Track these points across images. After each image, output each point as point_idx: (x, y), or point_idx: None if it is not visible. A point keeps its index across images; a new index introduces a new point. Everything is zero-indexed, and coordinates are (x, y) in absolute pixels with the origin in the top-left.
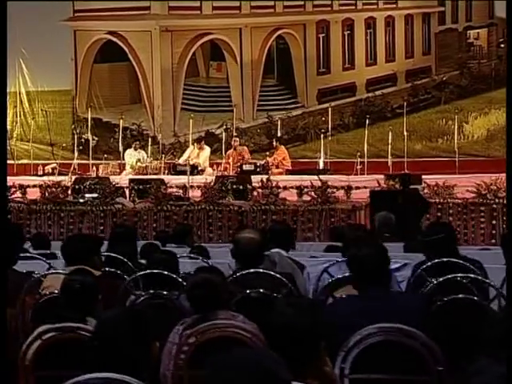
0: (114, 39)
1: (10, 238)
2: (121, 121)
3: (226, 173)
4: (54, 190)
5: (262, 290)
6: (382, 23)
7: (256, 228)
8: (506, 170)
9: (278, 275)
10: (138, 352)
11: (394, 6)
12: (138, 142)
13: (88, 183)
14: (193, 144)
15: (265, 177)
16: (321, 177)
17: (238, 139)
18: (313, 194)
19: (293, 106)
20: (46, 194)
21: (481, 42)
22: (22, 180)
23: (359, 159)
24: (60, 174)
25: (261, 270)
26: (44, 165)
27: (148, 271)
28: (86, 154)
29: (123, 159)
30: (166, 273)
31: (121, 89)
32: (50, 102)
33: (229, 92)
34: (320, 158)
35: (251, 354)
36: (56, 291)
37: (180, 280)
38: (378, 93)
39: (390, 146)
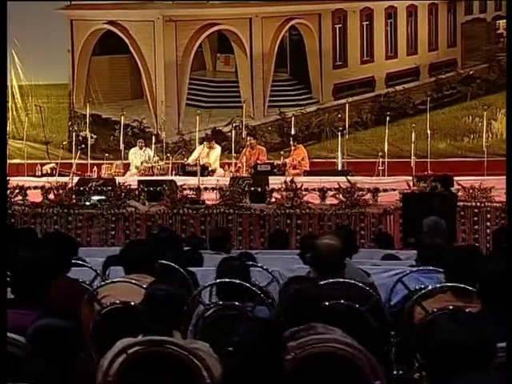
0: (114, 30)
1: (62, 244)
2: (122, 117)
3: (238, 174)
4: (60, 191)
5: (343, 302)
6: (403, 13)
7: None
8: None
9: (360, 284)
10: (277, 369)
11: None
12: (142, 140)
13: (93, 184)
14: (202, 142)
15: (288, 178)
16: (337, 179)
17: (252, 138)
18: (340, 196)
19: (307, 101)
20: (52, 196)
21: None
22: (20, 181)
23: (381, 159)
24: (60, 174)
25: (341, 280)
26: (42, 165)
27: (220, 280)
28: (83, 153)
29: (124, 158)
30: (238, 281)
31: (121, 83)
32: (45, 97)
33: (238, 87)
34: (338, 157)
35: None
36: (117, 301)
37: (254, 289)
38: (398, 88)
39: (413, 145)
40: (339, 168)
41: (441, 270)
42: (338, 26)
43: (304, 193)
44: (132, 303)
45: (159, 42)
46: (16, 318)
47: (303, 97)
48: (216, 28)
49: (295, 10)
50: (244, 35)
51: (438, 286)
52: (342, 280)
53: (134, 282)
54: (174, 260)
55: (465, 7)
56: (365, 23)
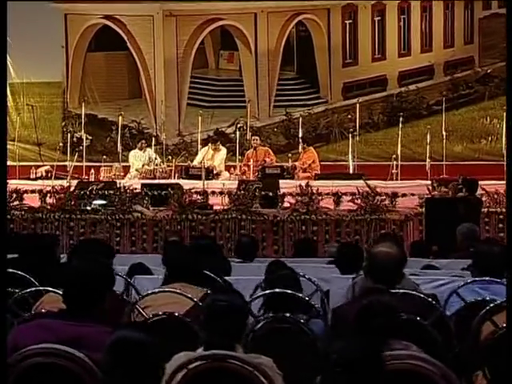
0: (111, 24)
1: (104, 252)
2: (119, 118)
3: (244, 177)
4: (61, 195)
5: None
6: (417, 8)
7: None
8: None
9: (422, 295)
10: None
11: None
12: (144, 141)
13: (94, 188)
14: (207, 144)
15: (303, 182)
16: (354, 182)
17: (258, 138)
18: (359, 201)
19: (315, 101)
20: (51, 200)
21: None
22: (14, 184)
23: (395, 162)
24: (57, 177)
25: (403, 291)
26: (36, 167)
27: (273, 291)
28: (78, 155)
29: (122, 161)
30: (290, 292)
31: (118, 81)
32: (37, 96)
33: (242, 86)
34: (349, 161)
35: None
36: (160, 312)
37: (307, 300)
38: (412, 87)
39: (428, 148)
40: (350, 171)
41: (498, 280)
42: (348, 22)
43: (324, 197)
44: (176, 314)
45: (159, 38)
46: (70, 330)
47: (311, 96)
48: (219, 23)
49: (303, 4)
50: (249, 31)
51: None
52: (403, 291)
53: (178, 291)
54: (213, 269)
55: (482, 2)
56: (376, 19)
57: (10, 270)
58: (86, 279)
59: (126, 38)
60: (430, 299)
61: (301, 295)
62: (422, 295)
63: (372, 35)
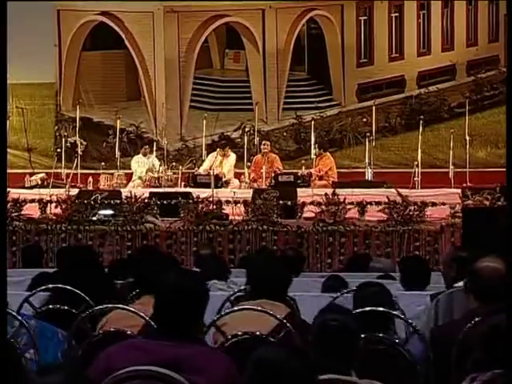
0: (108, 21)
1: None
2: (117, 121)
3: (256, 184)
4: (67, 205)
5: None
6: (438, 4)
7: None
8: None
9: None
10: None
11: None
12: (147, 146)
13: (98, 198)
14: (215, 149)
15: (329, 190)
16: (376, 191)
17: (268, 143)
18: (388, 211)
19: (327, 104)
20: (57, 211)
21: None
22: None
23: (416, 169)
24: (54, 186)
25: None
26: (30, 175)
27: (371, 308)
28: (71, 162)
29: (120, 168)
30: (386, 310)
31: (116, 82)
32: (28, 98)
33: (248, 87)
34: (366, 167)
35: None
36: (239, 332)
37: (406, 319)
38: (432, 88)
39: (451, 153)
40: (368, 179)
41: None
42: (362, 19)
43: (353, 207)
44: (258, 333)
45: (159, 36)
46: (167, 351)
47: (323, 98)
48: (224, 20)
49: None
50: (256, 29)
51: None
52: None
53: (259, 309)
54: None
55: None
56: (394, 15)
57: (60, 286)
58: (186, 295)
59: (123, 36)
60: None
61: (395, 313)
62: None
63: (389, 33)
